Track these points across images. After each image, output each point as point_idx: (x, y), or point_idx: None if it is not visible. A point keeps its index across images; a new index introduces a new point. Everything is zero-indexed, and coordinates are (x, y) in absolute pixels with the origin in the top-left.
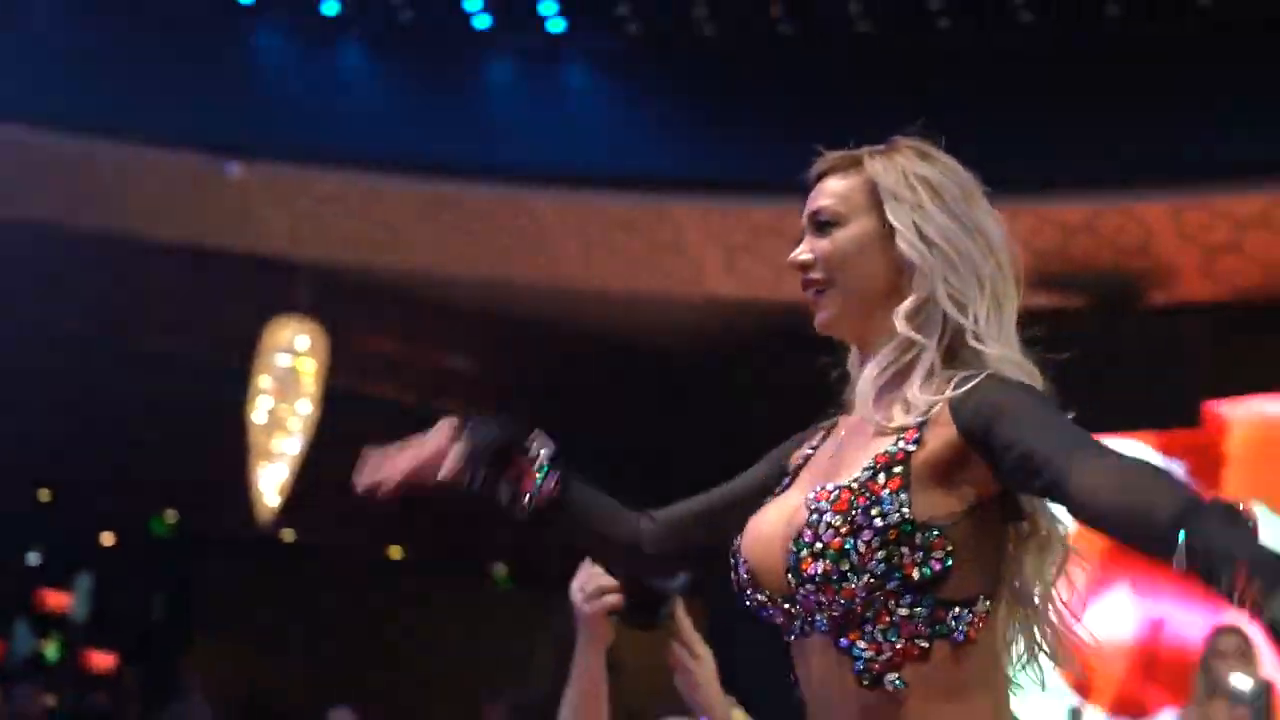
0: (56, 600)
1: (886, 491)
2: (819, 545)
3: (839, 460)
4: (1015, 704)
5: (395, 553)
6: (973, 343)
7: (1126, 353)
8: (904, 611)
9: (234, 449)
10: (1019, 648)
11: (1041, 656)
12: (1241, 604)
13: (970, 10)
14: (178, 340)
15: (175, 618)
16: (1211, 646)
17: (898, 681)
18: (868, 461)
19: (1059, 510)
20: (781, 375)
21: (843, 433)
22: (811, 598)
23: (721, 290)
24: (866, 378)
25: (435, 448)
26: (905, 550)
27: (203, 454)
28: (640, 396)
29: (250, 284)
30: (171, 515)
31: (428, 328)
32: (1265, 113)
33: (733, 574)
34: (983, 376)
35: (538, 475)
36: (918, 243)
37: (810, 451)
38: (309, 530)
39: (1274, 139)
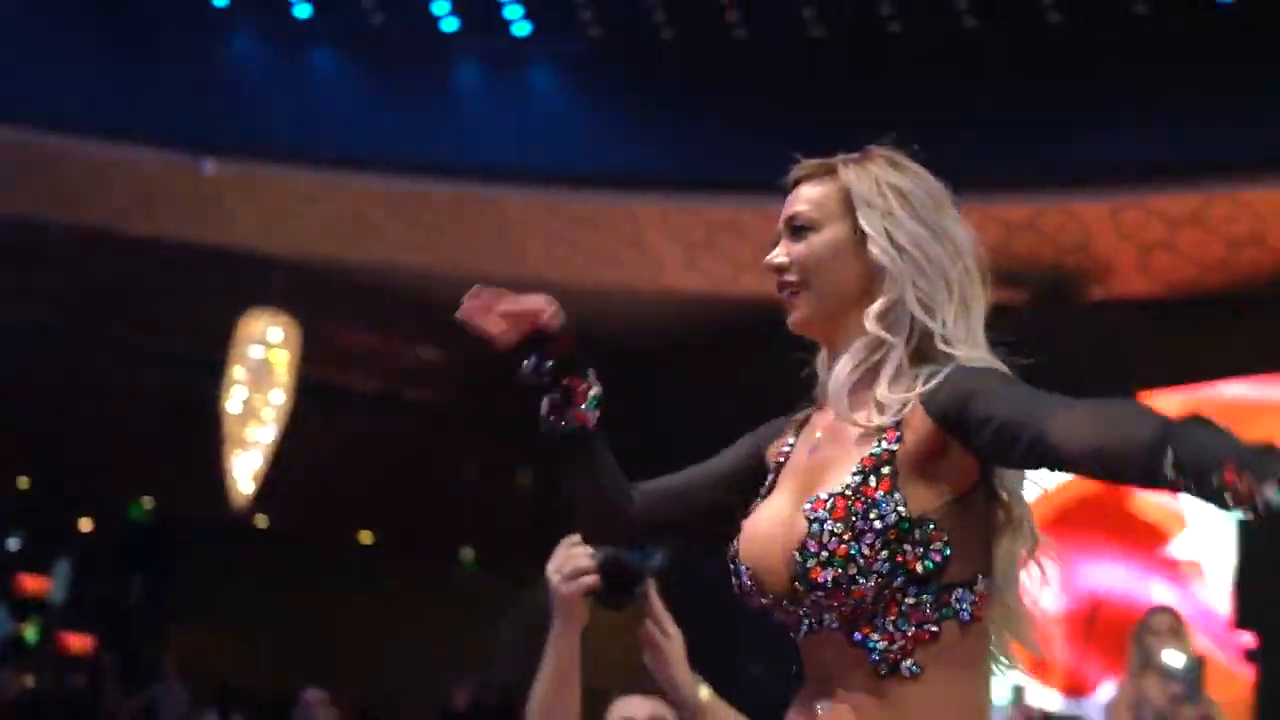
0: (36, 585)
1: (880, 493)
2: (825, 554)
3: (821, 462)
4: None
5: (365, 538)
6: (941, 345)
7: (1066, 345)
8: (911, 601)
9: (209, 437)
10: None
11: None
12: (1237, 499)
13: (918, 15)
14: (155, 332)
15: (152, 601)
16: (1144, 624)
17: (914, 667)
18: (855, 466)
19: (1033, 498)
20: (738, 369)
21: (818, 433)
22: (822, 601)
23: (681, 285)
24: (838, 377)
25: (542, 304)
26: (907, 547)
27: (179, 442)
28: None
29: (224, 278)
30: (148, 502)
31: (397, 320)
32: (1196, 117)
33: (734, 580)
34: (950, 369)
35: (586, 403)
36: (889, 248)
37: (787, 448)
38: (282, 516)
39: (1204, 142)
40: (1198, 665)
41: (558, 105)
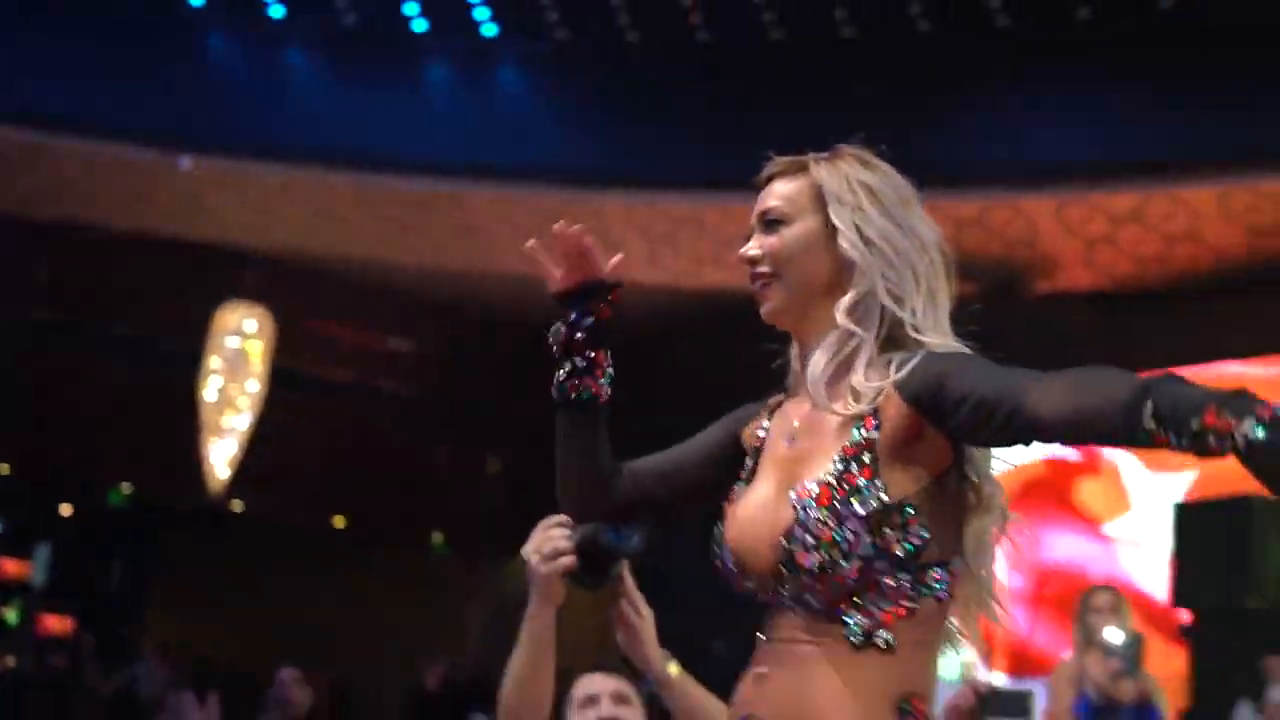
0: (16, 569)
1: (862, 480)
2: (810, 539)
3: (802, 451)
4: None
5: (338, 522)
6: (912, 333)
7: (1014, 337)
8: (891, 582)
9: (186, 425)
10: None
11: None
12: (1219, 440)
13: (874, 19)
14: (133, 323)
15: (130, 585)
16: (1086, 603)
17: (890, 639)
18: (836, 454)
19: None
20: (701, 358)
21: (795, 423)
22: (806, 583)
23: (644, 279)
24: (815, 369)
25: (601, 263)
26: (888, 531)
27: (157, 430)
28: None
29: (201, 271)
30: (127, 488)
31: (369, 311)
32: (1137, 116)
33: (719, 563)
34: (921, 354)
35: (604, 377)
36: (858, 242)
37: (761, 432)
38: (257, 501)
39: (1144, 141)
40: (1137, 642)
41: (525, 104)
